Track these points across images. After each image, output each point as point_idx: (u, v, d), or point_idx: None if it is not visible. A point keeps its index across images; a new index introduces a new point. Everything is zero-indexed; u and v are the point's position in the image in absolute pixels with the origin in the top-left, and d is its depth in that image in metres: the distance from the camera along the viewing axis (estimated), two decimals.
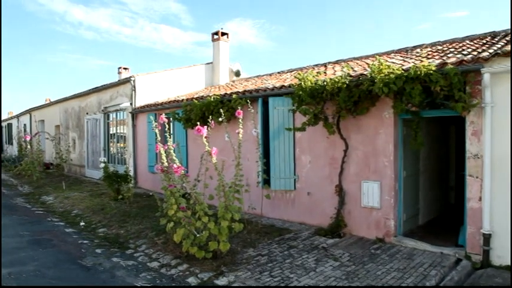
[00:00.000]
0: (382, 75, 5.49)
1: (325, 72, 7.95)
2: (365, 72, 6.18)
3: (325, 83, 6.25)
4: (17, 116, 25.82)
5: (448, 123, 8.01)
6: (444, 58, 5.82)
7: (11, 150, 25.19)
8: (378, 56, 6.20)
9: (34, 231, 6.95)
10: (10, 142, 26.96)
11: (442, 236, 6.13)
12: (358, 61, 9.08)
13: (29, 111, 22.85)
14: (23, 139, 17.16)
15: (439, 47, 7.50)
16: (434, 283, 4.44)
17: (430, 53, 7.01)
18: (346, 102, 6.01)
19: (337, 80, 6.11)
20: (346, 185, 6.55)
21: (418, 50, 7.98)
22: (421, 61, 5.70)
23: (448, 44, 7.64)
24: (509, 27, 7.46)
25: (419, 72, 5.17)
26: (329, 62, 10.44)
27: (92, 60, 75.55)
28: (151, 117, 6.69)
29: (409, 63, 6.20)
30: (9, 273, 4.74)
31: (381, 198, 6.08)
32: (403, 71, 5.43)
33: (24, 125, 23.60)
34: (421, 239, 5.89)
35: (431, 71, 5.10)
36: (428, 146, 7.00)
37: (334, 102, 6.31)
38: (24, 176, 14.37)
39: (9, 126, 28.19)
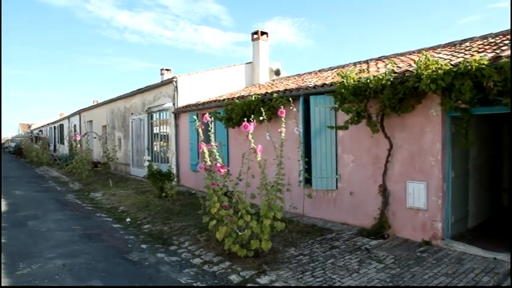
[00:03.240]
0: (429, 71, 5.28)
1: (367, 70, 7.76)
2: (410, 69, 5.97)
3: (368, 81, 6.10)
4: (68, 117, 27.27)
5: (500, 121, 7.56)
6: (498, 51, 5.50)
7: (63, 149, 26.65)
8: (424, 52, 5.97)
9: (85, 226, 7.31)
10: (62, 142, 28.52)
11: (495, 240, 5.80)
12: (402, 57, 8.80)
13: (78, 113, 24.06)
14: (73, 139, 18.11)
15: (491, 40, 7.09)
16: None
17: (481, 46, 6.65)
18: (390, 99, 5.84)
19: (381, 77, 5.95)
20: (391, 185, 6.36)
21: (467, 43, 7.60)
22: (472, 55, 5.42)
23: (501, 36, 7.21)
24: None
25: (470, 67, 4.92)
26: (371, 59, 10.19)
27: (136, 62, 78.13)
28: (194, 117, 6.83)
29: (457, 57, 5.91)
30: (64, 265, 5.02)
31: (427, 199, 5.85)
32: (451, 66, 5.19)
33: (75, 125, 24.90)
34: (471, 242, 5.60)
35: (484, 65, 4.83)
36: (479, 145, 6.65)
37: (378, 100, 6.15)
38: (75, 173, 15.15)
39: (61, 126, 29.82)
